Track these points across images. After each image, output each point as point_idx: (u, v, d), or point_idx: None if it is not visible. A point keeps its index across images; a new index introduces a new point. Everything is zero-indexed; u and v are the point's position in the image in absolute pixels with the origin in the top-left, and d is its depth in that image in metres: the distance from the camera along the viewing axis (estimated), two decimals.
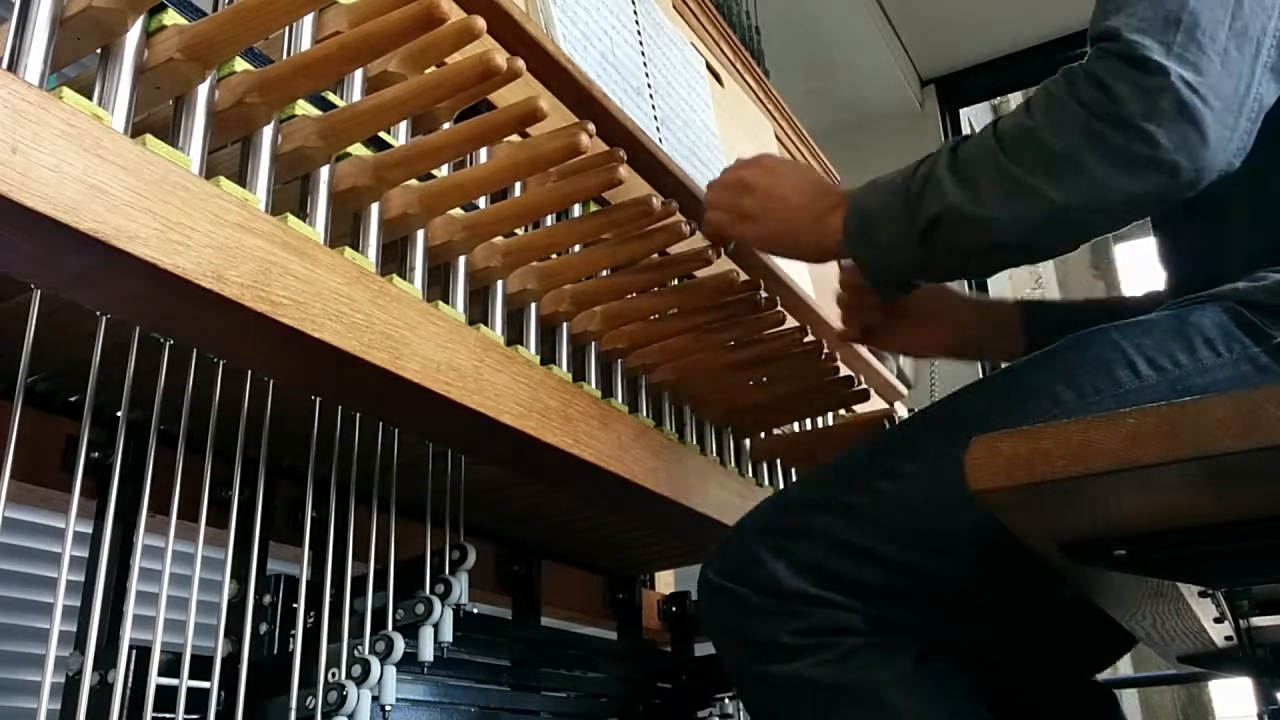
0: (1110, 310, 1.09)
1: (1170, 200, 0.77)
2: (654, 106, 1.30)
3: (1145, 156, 0.74)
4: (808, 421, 1.44)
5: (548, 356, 0.95)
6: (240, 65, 0.69)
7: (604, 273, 1.01)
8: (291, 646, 0.83)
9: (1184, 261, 0.93)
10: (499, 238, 0.88)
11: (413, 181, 0.80)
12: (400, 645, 0.85)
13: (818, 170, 1.76)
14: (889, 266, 0.89)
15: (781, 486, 1.34)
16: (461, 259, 0.86)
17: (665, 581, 1.73)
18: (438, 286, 0.85)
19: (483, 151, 0.94)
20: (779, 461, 1.35)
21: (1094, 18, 0.80)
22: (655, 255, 1.01)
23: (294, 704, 0.81)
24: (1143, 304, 1.06)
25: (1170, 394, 0.77)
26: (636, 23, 1.34)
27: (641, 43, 1.34)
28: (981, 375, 1.03)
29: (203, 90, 0.66)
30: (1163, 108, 0.73)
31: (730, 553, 0.87)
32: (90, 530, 0.76)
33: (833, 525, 0.83)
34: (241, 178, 0.68)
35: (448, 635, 0.91)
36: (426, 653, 0.89)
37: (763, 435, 1.31)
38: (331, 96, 0.78)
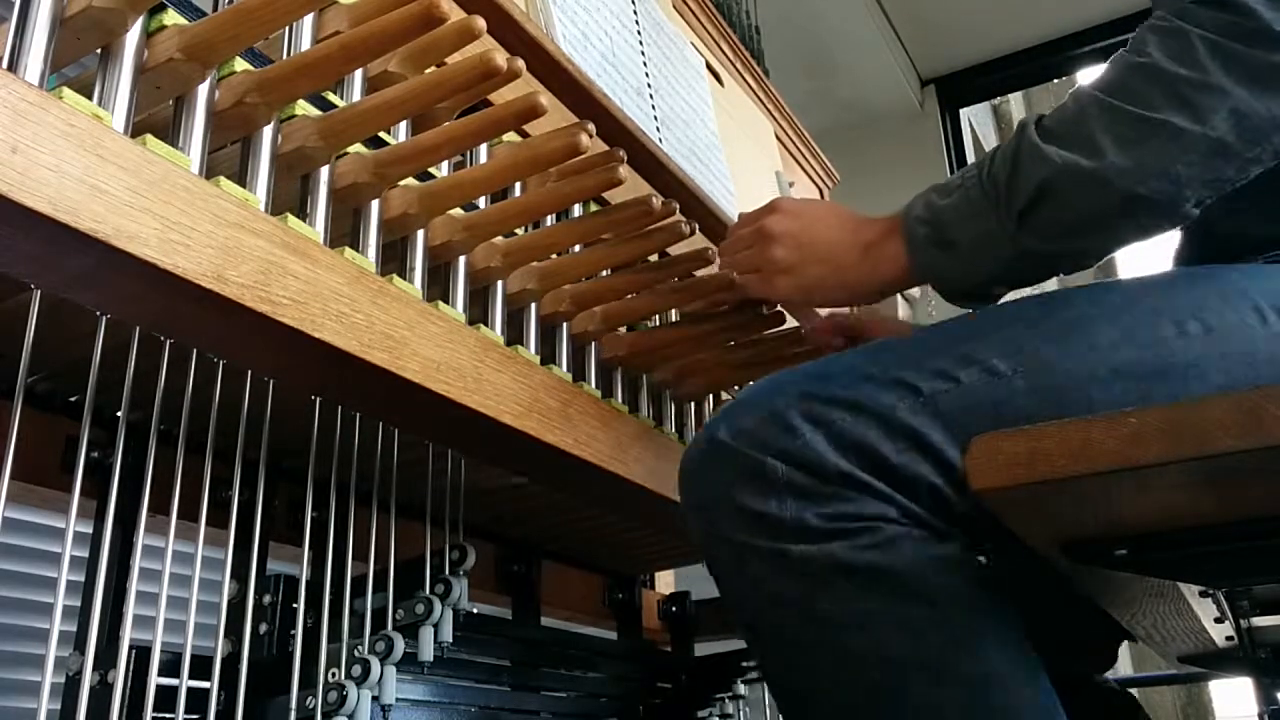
0: None
1: None
2: (654, 106, 1.30)
3: None
4: None
5: (548, 356, 0.95)
6: (240, 65, 0.69)
7: (604, 273, 1.01)
8: (291, 646, 0.83)
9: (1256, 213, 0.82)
10: (499, 238, 0.88)
11: (412, 181, 0.80)
12: (400, 645, 0.85)
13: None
14: (973, 270, 0.78)
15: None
16: (461, 259, 0.86)
17: (665, 581, 1.73)
18: (438, 286, 0.85)
19: (482, 151, 0.94)
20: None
21: None
22: (655, 255, 1.00)
23: (294, 704, 0.81)
24: None
25: None
26: (636, 23, 1.34)
27: (641, 43, 1.34)
28: None
29: (203, 90, 0.66)
30: None
31: (751, 414, 0.73)
32: (90, 530, 0.76)
33: (895, 405, 0.71)
34: (241, 178, 0.68)
35: (448, 635, 0.91)
36: (426, 653, 0.89)
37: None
38: (331, 96, 0.78)
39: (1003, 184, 0.74)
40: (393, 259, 0.81)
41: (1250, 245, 0.79)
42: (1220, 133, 0.68)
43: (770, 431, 0.71)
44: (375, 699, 0.82)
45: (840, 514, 0.69)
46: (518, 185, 0.95)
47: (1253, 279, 0.73)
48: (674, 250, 1.04)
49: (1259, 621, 0.67)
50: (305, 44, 0.77)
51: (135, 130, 0.61)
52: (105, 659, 0.71)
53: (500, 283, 0.90)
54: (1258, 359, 0.70)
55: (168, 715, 0.71)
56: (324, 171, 0.74)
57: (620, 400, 1.02)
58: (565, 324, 0.98)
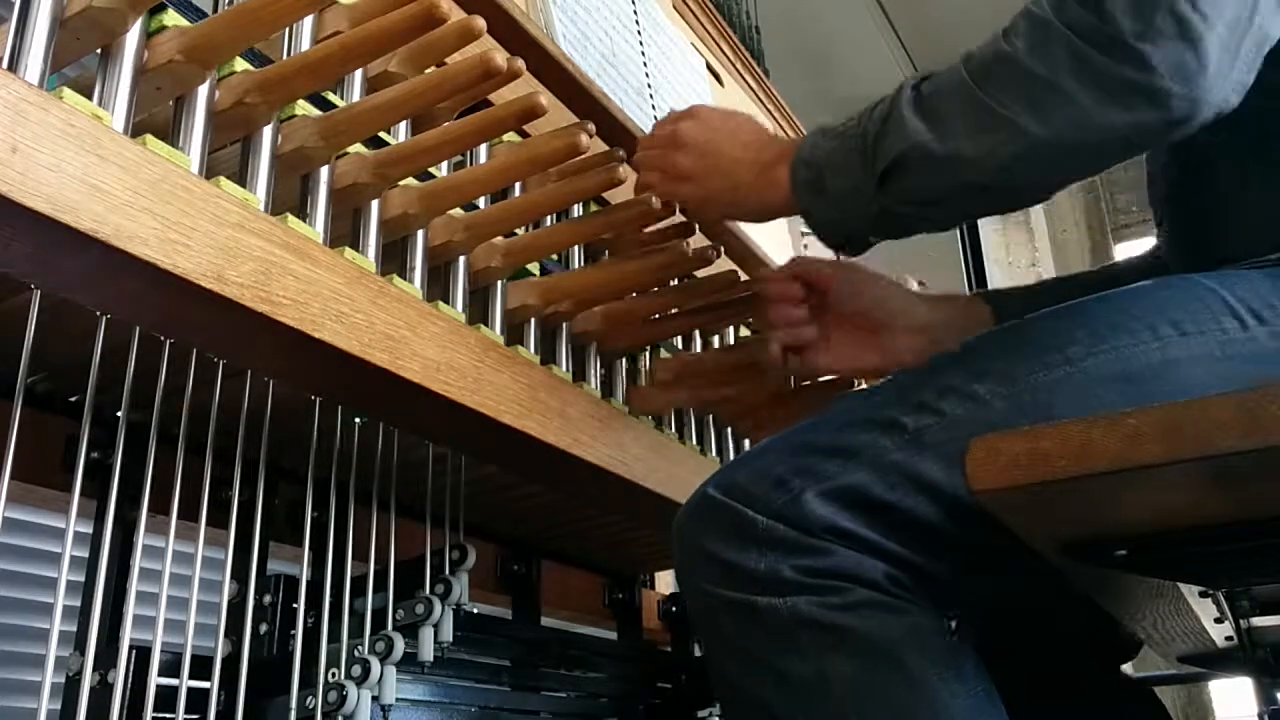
0: (1090, 283, 1.01)
1: (1157, 138, 0.71)
2: (654, 106, 1.30)
3: (1134, 82, 0.67)
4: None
5: (548, 356, 0.95)
6: (240, 65, 0.69)
7: None
8: (291, 646, 0.83)
9: (1252, 218, 0.82)
10: (499, 238, 0.88)
11: (412, 181, 0.80)
12: (400, 645, 0.85)
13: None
14: (842, 220, 0.80)
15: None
16: (461, 259, 0.86)
17: (665, 581, 1.73)
18: (438, 286, 0.85)
19: (483, 151, 0.94)
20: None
21: None
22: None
23: (294, 704, 0.81)
24: (1134, 268, 1.02)
25: (1277, 346, 0.71)
26: (636, 23, 1.34)
27: (641, 43, 1.34)
28: None
29: (203, 90, 0.66)
30: (1159, 26, 0.66)
31: (744, 470, 0.74)
32: (90, 530, 0.76)
33: (883, 444, 0.71)
34: (241, 178, 0.68)
35: (448, 635, 0.91)
36: (426, 653, 0.89)
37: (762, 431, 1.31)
38: (331, 96, 0.78)
39: (870, 143, 0.77)
40: (393, 259, 0.81)
41: (1229, 253, 0.79)
42: (1062, 138, 0.70)
43: (760, 486, 0.72)
44: (375, 699, 0.82)
45: (816, 569, 0.69)
46: (518, 185, 0.95)
47: (1225, 284, 0.74)
48: None
49: (1259, 621, 0.67)
50: (305, 44, 0.77)
51: (135, 130, 0.61)
52: (105, 659, 0.71)
53: (500, 283, 0.90)
54: (1235, 358, 0.71)
55: (168, 715, 0.71)
56: (324, 171, 0.74)
57: (620, 400, 1.02)
58: (565, 324, 0.98)
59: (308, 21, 0.77)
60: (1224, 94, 0.68)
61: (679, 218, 0.96)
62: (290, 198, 0.73)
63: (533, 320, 0.94)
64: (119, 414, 0.73)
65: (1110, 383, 0.71)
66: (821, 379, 1.19)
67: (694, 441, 1.16)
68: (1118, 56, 0.67)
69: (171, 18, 0.65)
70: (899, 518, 0.70)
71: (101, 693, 0.69)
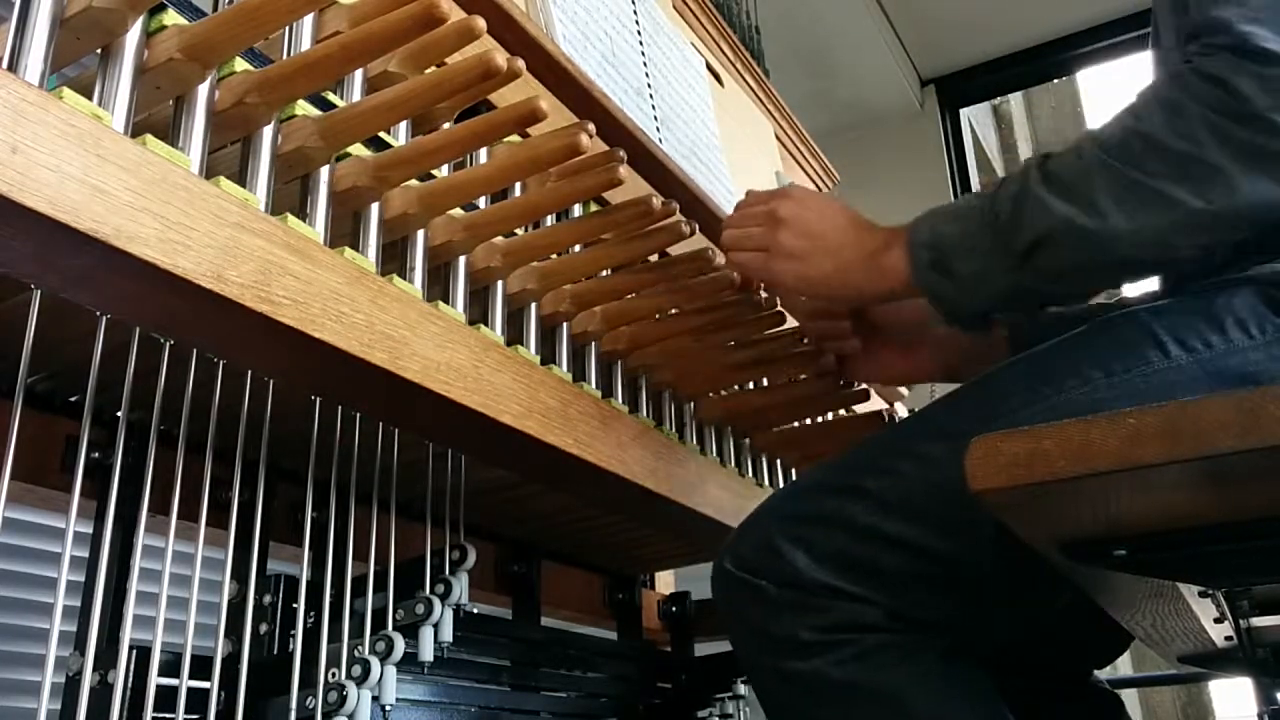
0: (1095, 311, 1.08)
1: None
2: (654, 106, 1.30)
3: (1276, 153, 0.70)
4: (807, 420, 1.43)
5: (548, 356, 0.95)
6: (240, 65, 0.69)
7: (604, 273, 1.01)
8: (291, 646, 0.83)
9: None
10: (499, 238, 0.88)
11: (413, 181, 0.80)
12: (400, 645, 0.85)
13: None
14: (971, 299, 0.82)
15: (782, 486, 1.35)
16: (461, 259, 0.86)
17: (665, 581, 1.73)
18: (438, 286, 0.85)
19: (483, 151, 0.94)
20: (778, 460, 1.35)
21: (1194, 8, 0.75)
22: (655, 255, 1.00)
23: (294, 704, 0.81)
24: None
25: (1201, 374, 0.75)
26: (636, 23, 1.34)
27: (641, 43, 1.34)
28: None
29: (203, 90, 0.66)
30: None
31: (747, 542, 0.83)
32: (90, 530, 0.76)
33: (853, 510, 0.80)
34: (241, 178, 0.68)
35: (448, 635, 0.91)
36: (426, 653, 0.89)
37: (761, 434, 1.31)
38: (331, 96, 0.78)
39: (1004, 222, 0.78)
40: (393, 259, 0.81)
41: (1269, 247, 0.80)
42: (1216, 207, 0.72)
43: (762, 557, 0.81)
44: (375, 699, 0.82)
45: (828, 625, 0.78)
46: (518, 185, 0.95)
47: (1160, 315, 0.78)
48: (674, 250, 1.03)
49: (1258, 621, 0.67)
50: (305, 44, 0.77)
51: (135, 130, 0.61)
52: (105, 659, 0.71)
53: (500, 283, 0.90)
54: (1157, 387, 0.75)
55: (168, 715, 0.71)
56: (324, 172, 0.74)
57: (620, 400, 1.02)
58: (565, 324, 0.98)
59: (308, 21, 0.77)
60: None
61: (678, 217, 0.95)
62: (290, 198, 0.73)
63: (533, 319, 0.94)
64: (119, 414, 0.73)
65: None
66: (821, 376, 1.20)
67: (694, 441, 1.16)
68: (1257, 128, 0.69)
69: (171, 18, 0.65)
70: (880, 572, 0.78)
71: (101, 693, 0.69)
